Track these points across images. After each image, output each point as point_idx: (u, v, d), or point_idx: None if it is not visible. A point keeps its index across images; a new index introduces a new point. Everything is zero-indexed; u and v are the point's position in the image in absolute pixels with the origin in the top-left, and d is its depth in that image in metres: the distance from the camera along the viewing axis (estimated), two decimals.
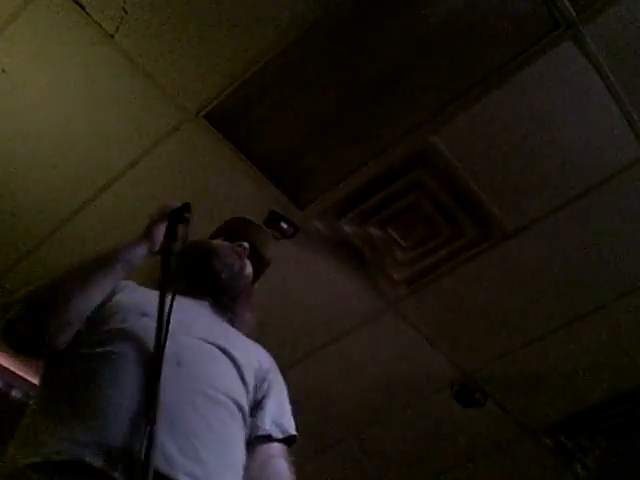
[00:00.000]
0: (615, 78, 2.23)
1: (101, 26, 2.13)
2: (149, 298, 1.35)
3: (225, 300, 1.57)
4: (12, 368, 3.23)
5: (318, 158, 2.48)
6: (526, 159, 2.46)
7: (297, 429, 1.45)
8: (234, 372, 1.36)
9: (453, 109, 2.32)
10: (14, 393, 3.22)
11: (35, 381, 3.30)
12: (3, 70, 2.27)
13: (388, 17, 2.11)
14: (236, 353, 1.38)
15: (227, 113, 2.35)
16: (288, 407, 1.50)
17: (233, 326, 1.55)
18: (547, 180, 2.52)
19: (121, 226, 2.67)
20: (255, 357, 1.47)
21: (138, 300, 1.40)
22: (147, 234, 1.47)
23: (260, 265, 1.74)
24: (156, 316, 1.24)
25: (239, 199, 2.60)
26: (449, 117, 2.34)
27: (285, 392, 1.51)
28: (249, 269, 1.67)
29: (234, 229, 1.76)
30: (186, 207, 1.52)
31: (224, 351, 1.37)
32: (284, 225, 2.61)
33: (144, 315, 1.33)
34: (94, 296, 1.33)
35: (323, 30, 2.14)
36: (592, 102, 2.30)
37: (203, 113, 2.35)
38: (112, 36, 2.15)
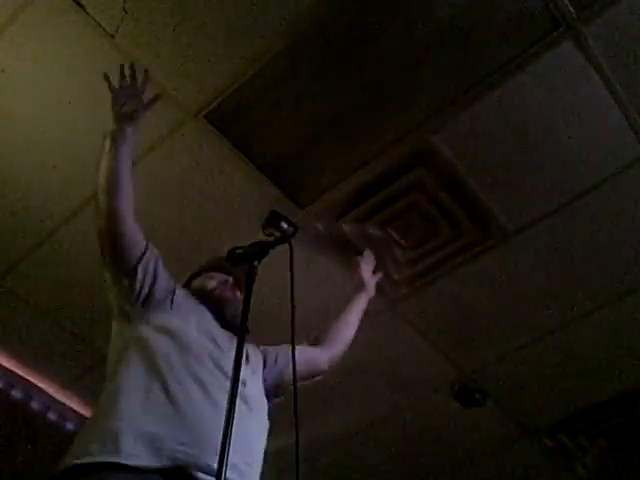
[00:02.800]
0: (615, 78, 2.23)
1: (101, 26, 2.13)
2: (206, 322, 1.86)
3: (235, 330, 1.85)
4: (12, 368, 3.23)
5: (318, 158, 2.48)
6: (526, 159, 2.46)
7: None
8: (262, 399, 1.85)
9: (453, 109, 2.32)
10: (14, 393, 3.22)
11: (36, 381, 3.30)
12: (3, 70, 2.27)
13: (388, 17, 2.11)
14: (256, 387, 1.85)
15: (227, 113, 2.35)
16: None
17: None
18: (547, 180, 2.52)
19: None
20: (261, 365, 1.94)
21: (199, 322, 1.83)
22: (117, 119, 1.83)
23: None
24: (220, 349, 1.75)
25: (239, 199, 2.60)
26: (449, 117, 2.34)
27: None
28: (239, 295, 1.99)
29: (213, 266, 2.09)
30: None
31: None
32: (284, 225, 2.61)
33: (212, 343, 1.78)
34: (126, 185, 1.79)
35: (323, 30, 2.14)
36: (592, 102, 2.30)
37: (203, 113, 2.35)
38: (112, 36, 2.15)
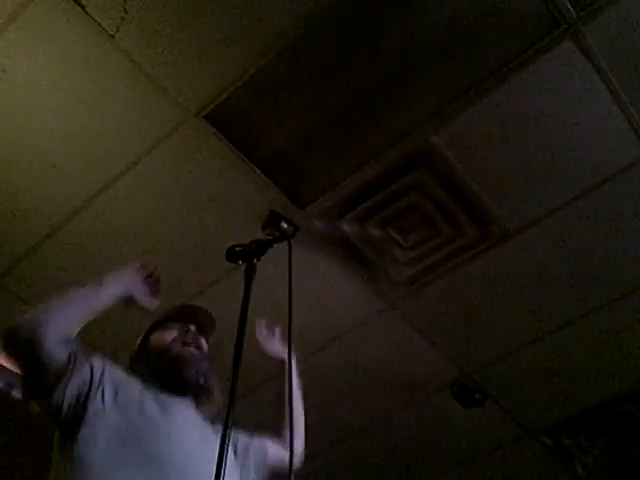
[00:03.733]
0: (615, 78, 2.23)
1: (101, 26, 2.13)
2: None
3: (202, 396, 1.74)
4: (12, 368, 3.23)
5: (318, 158, 2.48)
6: (526, 159, 2.46)
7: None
8: None
9: (453, 109, 2.32)
10: (14, 393, 3.22)
11: None
12: (3, 70, 2.26)
13: (388, 17, 2.11)
14: None
15: (227, 113, 2.34)
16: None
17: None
18: (547, 180, 2.52)
19: (121, 226, 2.67)
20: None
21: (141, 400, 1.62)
22: (119, 281, 1.68)
23: (208, 327, 1.92)
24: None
25: (239, 199, 2.60)
26: (449, 117, 2.34)
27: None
28: (205, 347, 1.85)
29: (172, 316, 1.90)
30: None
31: None
32: (284, 225, 2.61)
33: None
34: (66, 322, 1.57)
35: (323, 30, 2.14)
36: (592, 102, 2.30)
37: (203, 113, 2.35)
38: (112, 36, 2.15)
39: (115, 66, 2.23)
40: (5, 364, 1.64)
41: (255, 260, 1.63)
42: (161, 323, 1.88)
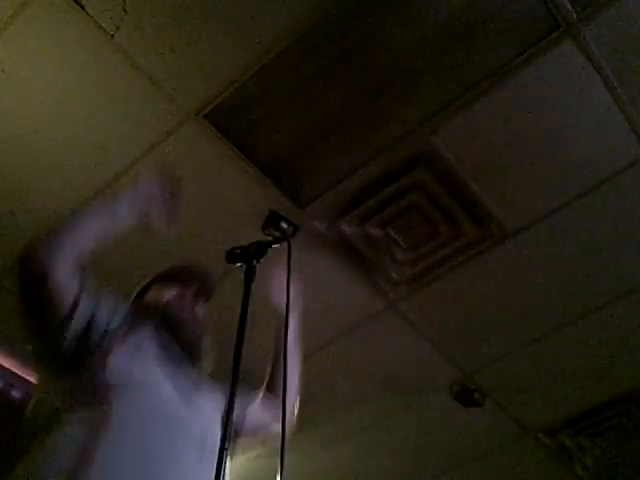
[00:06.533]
0: (615, 78, 2.23)
1: (101, 26, 2.13)
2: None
3: (195, 353, 1.72)
4: (12, 368, 3.23)
5: (318, 158, 2.48)
6: (526, 159, 2.46)
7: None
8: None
9: (453, 109, 2.32)
10: (14, 393, 3.22)
11: (35, 381, 3.30)
12: (3, 70, 2.27)
13: (388, 17, 2.11)
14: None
15: (227, 113, 2.35)
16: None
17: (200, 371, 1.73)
18: (547, 180, 2.52)
19: None
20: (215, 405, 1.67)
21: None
22: (134, 195, 1.64)
23: (208, 290, 1.89)
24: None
25: (239, 199, 2.60)
26: (449, 117, 2.34)
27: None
28: (201, 311, 1.82)
29: (173, 274, 1.87)
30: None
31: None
32: (284, 225, 2.61)
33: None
34: (81, 243, 1.53)
35: (323, 30, 2.14)
36: (592, 102, 2.30)
37: (203, 113, 2.35)
38: (112, 36, 2.15)
39: (115, 66, 2.23)
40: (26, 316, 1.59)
41: (254, 262, 1.63)
42: (163, 278, 1.85)
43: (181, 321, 1.73)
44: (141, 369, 1.53)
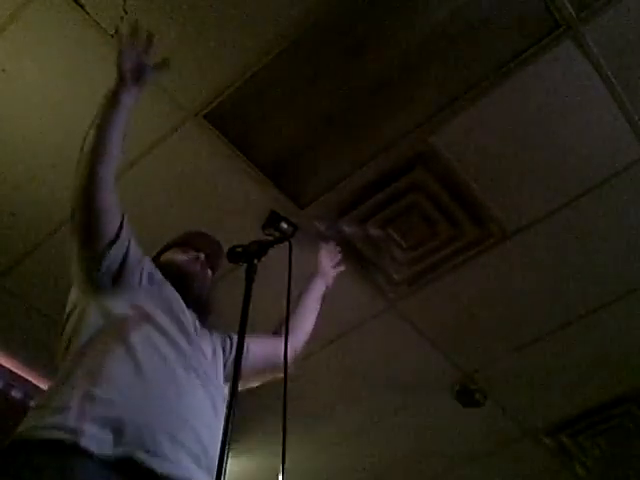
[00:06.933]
0: (615, 78, 2.23)
1: (101, 26, 2.13)
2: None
3: (202, 309, 1.88)
4: (12, 368, 3.23)
5: (318, 158, 2.48)
6: (526, 159, 2.46)
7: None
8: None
9: (453, 109, 2.32)
10: (14, 393, 3.22)
11: (35, 381, 3.30)
12: (3, 70, 2.27)
13: (388, 17, 2.11)
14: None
15: (227, 113, 2.35)
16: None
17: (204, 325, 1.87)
18: (547, 180, 2.52)
19: None
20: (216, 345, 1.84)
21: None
22: (120, 78, 1.69)
23: (217, 258, 2.03)
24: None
25: (239, 199, 2.60)
26: (449, 117, 2.34)
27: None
28: (209, 274, 1.98)
29: (185, 241, 2.03)
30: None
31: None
32: (284, 225, 2.62)
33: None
34: (113, 152, 1.66)
35: (323, 30, 2.14)
36: (592, 102, 2.30)
37: (203, 113, 2.35)
38: (112, 36, 2.15)
39: (114, 66, 2.22)
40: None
41: (256, 260, 1.64)
42: (175, 244, 2.00)
43: (191, 276, 1.88)
44: (151, 305, 1.67)
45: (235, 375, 1.39)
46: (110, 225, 1.64)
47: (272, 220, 2.61)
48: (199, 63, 2.22)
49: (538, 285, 2.85)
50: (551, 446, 3.64)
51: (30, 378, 3.28)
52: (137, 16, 2.11)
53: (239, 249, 1.69)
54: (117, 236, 1.64)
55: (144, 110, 2.35)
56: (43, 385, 3.31)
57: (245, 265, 1.64)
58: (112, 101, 1.67)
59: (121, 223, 1.67)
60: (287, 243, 1.73)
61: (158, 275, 1.80)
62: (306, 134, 2.41)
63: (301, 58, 2.20)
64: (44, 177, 2.55)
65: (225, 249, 1.73)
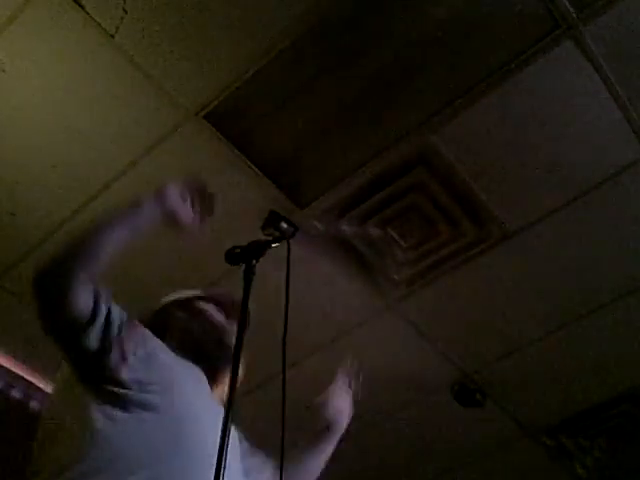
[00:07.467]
0: (615, 78, 2.23)
1: (101, 26, 2.13)
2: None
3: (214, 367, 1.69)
4: (12, 368, 3.23)
5: (318, 158, 2.48)
6: (526, 159, 2.46)
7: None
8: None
9: (453, 109, 2.32)
10: (14, 393, 3.22)
11: (35, 381, 3.30)
12: (3, 70, 2.27)
13: (388, 17, 2.11)
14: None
15: (227, 113, 2.35)
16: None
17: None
18: (547, 180, 2.52)
19: None
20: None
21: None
22: (160, 197, 1.50)
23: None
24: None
25: (239, 199, 2.60)
26: (449, 117, 2.34)
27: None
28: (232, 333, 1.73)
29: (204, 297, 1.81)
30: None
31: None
32: (284, 225, 2.61)
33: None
34: (102, 256, 1.44)
35: (323, 30, 2.14)
36: (592, 102, 2.30)
37: (203, 113, 2.35)
38: (112, 36, 2.15)
39: (115, 66, 2.23)
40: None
41: (254, 261, 1.63)
42: (188, 300, 1.79)
43: (219, 329, 1.72)
44: (158, 376, 1.48)
45: (234, 375, 1.38)
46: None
47: (272, 220, 2.60)
48: (199, 63, 2.22)
49: (538, 285, 2.85)
50: (551, 446, 3.63)
51: (30, 378, 3.28)
52: (137, 16, 2.11)
53: (237, 250, 1.68)
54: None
55: (144, 110, 2.35)
56: (43, 385, 3.31)
57: (243, 266, 1.64)
58: (134, 204, 1.50)
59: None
60: (286, 243, 1.72)
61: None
62: (306, 134, 2.41)
63: (301, 58, 2.20)
64: (44, 177, 2.55)
65: (225, 251, 1.72)
